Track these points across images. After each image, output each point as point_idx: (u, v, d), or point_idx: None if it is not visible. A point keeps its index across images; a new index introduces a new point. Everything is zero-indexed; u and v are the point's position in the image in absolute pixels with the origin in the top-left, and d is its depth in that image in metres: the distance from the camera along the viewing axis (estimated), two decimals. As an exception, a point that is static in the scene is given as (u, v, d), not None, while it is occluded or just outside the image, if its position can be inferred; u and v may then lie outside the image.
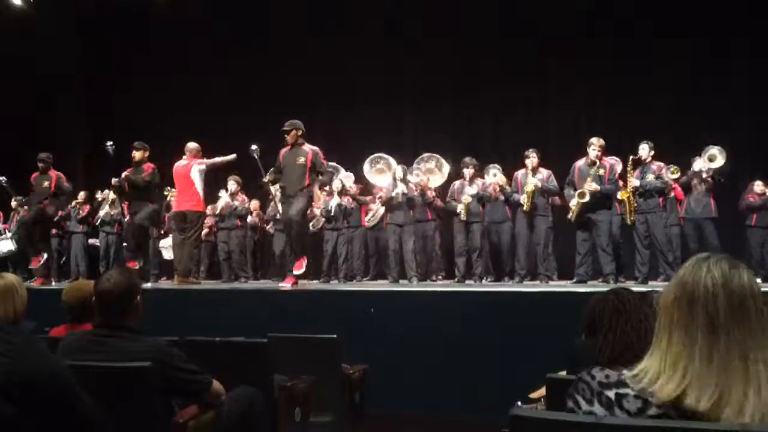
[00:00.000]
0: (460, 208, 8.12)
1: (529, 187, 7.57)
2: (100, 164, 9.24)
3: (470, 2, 10.45)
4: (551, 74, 10.57)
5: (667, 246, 7.44)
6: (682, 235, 7.97)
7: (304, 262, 6.78)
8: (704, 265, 1.31)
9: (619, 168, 7.37)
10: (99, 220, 10.11)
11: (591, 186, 6.94)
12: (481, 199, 8.15)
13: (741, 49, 9.41)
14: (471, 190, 8.16)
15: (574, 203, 7.06)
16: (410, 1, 10.76)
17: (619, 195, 7.29)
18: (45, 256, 8.77)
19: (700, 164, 7.56)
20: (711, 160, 7.44)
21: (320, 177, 6.95)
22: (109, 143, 7.71)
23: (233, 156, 7.78)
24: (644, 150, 7.28)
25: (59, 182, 8.44)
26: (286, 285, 6.79)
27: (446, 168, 8.78)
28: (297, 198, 6.75)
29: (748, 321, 1.26)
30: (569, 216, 7.12)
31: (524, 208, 7.63)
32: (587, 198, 6.93)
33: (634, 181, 7.20)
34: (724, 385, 1.22)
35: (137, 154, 7.68)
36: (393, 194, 8.21)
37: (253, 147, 7.21)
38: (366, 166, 8.83)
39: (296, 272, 6.71)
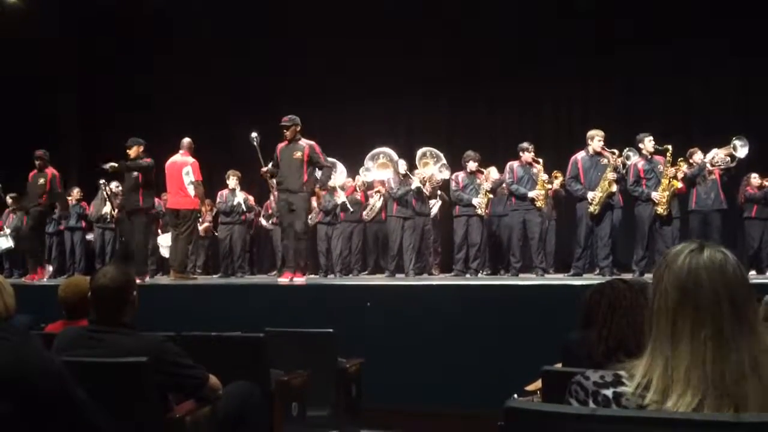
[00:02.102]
0: (478, 202, 8.03)
1: (547, 186, 7.68)
2: (94, 162, 9.19)
3: (468, 1, 10.45)
4: (548, 73, 10.56)
5: (671, 240, 7.36)
6: (684, 227, 7.77)
7: (304, 276, 6.84)
8: (699, 257, 1.28)
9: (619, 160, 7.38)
10: (95, 217, 10.10)
11: (613, 175, 6.95)
12: (492, 192, 8.21)
13: (735, 47, 9.43)
14: (487, 184, 8.13)
15: (594, 195, 6.97)
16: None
17: (661, 189, 7.06)
18: (50, 269, 8.75)
19: (713, 154, 7.45)
20: (734, 150, 7.37)
21: (317, 174, 6.93)
22: (106, 165, 7.69)
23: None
24: (651, 143, 7.16)
25: (53, 180, 8.37)
26: (284, 280, 6.81)
27: (442, 161, 8.78)
28: (297, 203, 6.77)
29: (747, 322, 1.24)
30: (591, 209, 6.96)
31: (539, 205, 7.64)
32: (615, 188, 6.98)
33: (685, 171, 7.18)
34: (740, 397, 1.19)
35: (132, 151, 7.60)
36: (408, 188, 8.18)
37: (253, 134, 7.20)
38: (368, 163, 8.80)
39: (297, 280, 6.72)
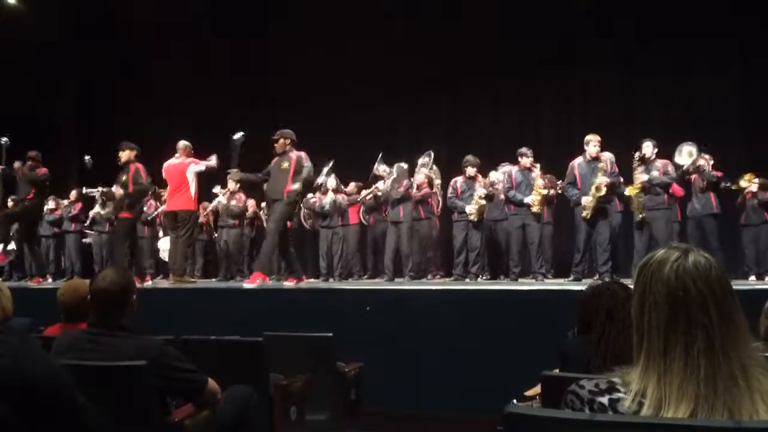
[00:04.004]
0: (470, 209, 8.04)
1: (542, 192, 7.63)
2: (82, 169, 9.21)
3: (468, 1, 10.46)
4: (546, 74, 10.58)
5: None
6: (683, 233, 7.81)
7: (259, 279, 6.73)
8: (686, 263, 1.28)
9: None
10: (90, 220, 10.10)
11: (604, 180, 6.90)
12: (489, 198, 8.19)
13: (733, 49, 9.45)
14: (481, 191, 8.12)
15: (586, 200, 6.94)
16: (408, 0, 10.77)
17: (627, 191, 7.18)
18: (12, 256, 8.76)
19: (680, 161, 7.36)
20: (690, 155, 7.30)
21: (301, 175, 6.85)
22: (87, 157, 7.68)
23: (214, 162, 7.74)
24: (648, 148, 7.13)
25: (41, 176, 8.36)
26: (289, 284, 6.84)
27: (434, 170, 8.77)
28: (275, 209, 6.83)
29: (735, 326, 1.25)
30: (584, 214, 6.95)
31: (534, 209, 7.60)
32: (604, 191, 6.89)
33: (641, 176, 7.03)
34: (732, 404, 1.20)
35: (123, 155, 7.56)
36: (401, 191, 8.20)
37: (236, 136, 7.13)
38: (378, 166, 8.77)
39: (247, 286, 6.59)
